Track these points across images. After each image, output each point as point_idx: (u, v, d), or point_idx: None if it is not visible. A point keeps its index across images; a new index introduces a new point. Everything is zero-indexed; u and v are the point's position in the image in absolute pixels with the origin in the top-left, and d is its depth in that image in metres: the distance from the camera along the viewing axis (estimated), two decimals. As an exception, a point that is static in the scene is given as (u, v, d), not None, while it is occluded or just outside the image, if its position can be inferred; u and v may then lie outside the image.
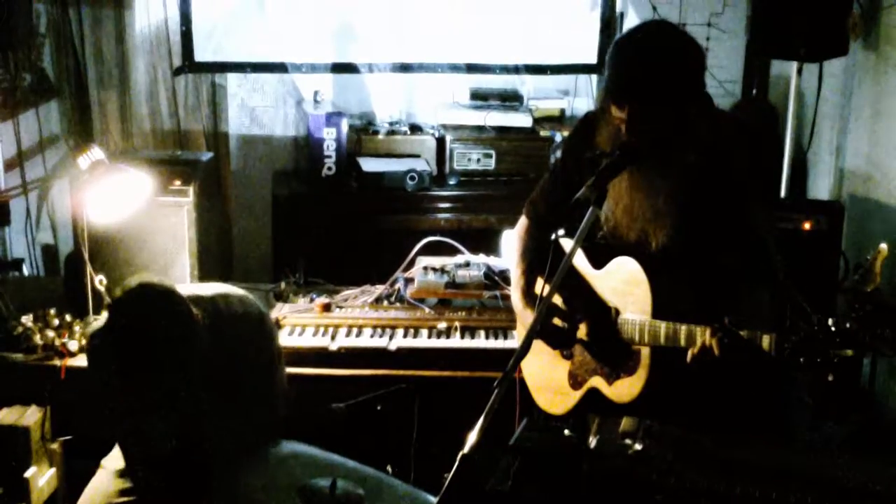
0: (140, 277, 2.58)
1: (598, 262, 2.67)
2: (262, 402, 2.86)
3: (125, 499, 2.85)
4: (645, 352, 2.53)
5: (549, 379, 2.81)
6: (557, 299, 2.70)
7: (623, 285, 2.58)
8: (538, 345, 2.73)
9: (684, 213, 2.49)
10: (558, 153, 2.81)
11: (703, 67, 2.43)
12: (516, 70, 5.02)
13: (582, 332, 2.68)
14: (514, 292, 2.85)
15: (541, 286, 2.73)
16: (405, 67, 4.91)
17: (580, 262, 2.72)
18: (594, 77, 5.11)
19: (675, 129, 2.40)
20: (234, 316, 2.76)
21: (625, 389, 2.58)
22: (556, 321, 2.67)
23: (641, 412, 2.39)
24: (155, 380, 2.51)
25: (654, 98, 2.35)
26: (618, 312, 2.60)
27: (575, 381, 2.73)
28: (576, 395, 2.72)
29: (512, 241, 2.92)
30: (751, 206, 2.51)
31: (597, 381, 2.66)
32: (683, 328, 2.42)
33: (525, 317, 2.80)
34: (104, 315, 2.72)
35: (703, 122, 2.44)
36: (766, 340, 2.27)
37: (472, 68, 4.96)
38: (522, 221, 2.92)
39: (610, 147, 2.48)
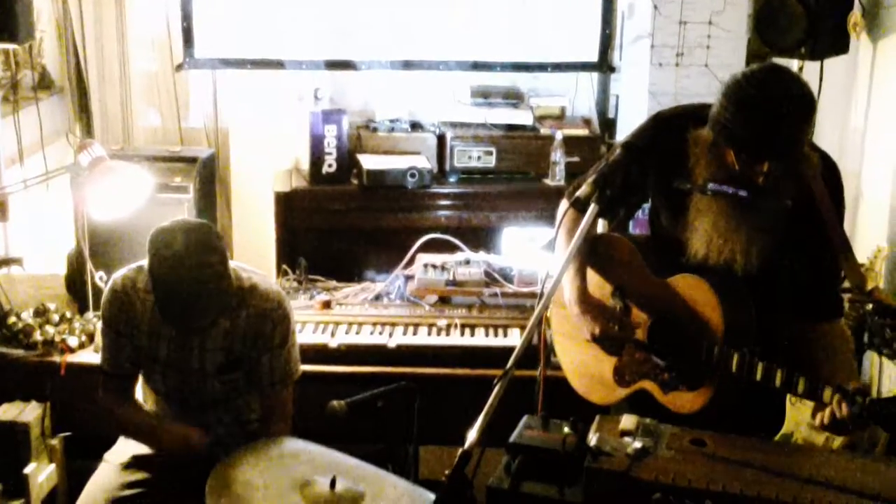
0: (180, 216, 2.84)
1: (657, 271, 2.64)
2: (274, 380, 2.91)
3: (128, 492, 2.86)
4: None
5: (589, 367, 2.75)
6: (606, 294, 2.69)
7: (690, 302, 2.55)
8: (575, 331, 2.70)
9: (774, 246, 2.48)
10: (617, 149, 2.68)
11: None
12: (517, 68, 5.01)
13: (640, 334, 2.63)
14: (570, 293, 2.69)
15: (602, 288, 2.71)
16: (406, 65, 4.91)
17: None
18: (595, 75, 5.11)
19: (793, 174, 2.40)
20: (253, 288, 2.86)
21: (683, 402, 2.55)
22: (611, 324, 2.62)
23: (696, 422, 2.40)
24: (193, 302, 2.67)
25: (786, 156, 2.36)
26: (689, 325, 2.55)
27: (622, 379, 2.68)
28: (621, 392, 2.68)
29: (559, 235, 2.71)
30: (832, 243, 2.51)
31: (648, 386, 2.62)
32: (779, 372, 2.37)
33: (583, 326, 2.65)
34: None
35: (802, 163, 2.43)
36: None
37: (473, 66, 4.95)
38: (570, 214, 2.68)
39: (709, 171, 2.46)
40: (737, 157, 2.38)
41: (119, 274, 2.92)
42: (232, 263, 2.88)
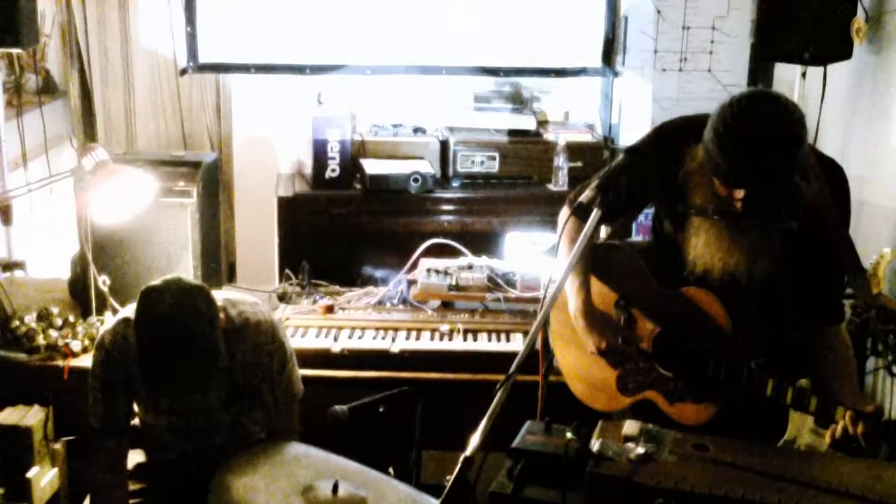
0: (173, 274, 2.70)
1: (661, 280, 2.63)
2: (278, 405, 2.90)
3: (132, 500, 2.86)
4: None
5: (592, 374, 2.74)
6: (610, 304, 2.67)
7: (699, 315, 2.54)
8: (576, 336, 2.69)
9: (777, 263, 2.47)
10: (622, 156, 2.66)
11: (806, 136, 2.37)
12: (521, 73, 5.01)
13: (645, 344, 2.63)
14: (575, 306, 2.67)
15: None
16: (409, 69, 4.91)
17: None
18: (598, 80, 5.11)
19: (784, 199, 2.38)
20: (246, 323, 2.82)
21: (690, 413, 2.55)
22: (616, 338, 2.61)
23: (698, 427, 2.42)
24: (179, 367, 2.59)
25: (768, 184, 2.32)
26: (696, 338, 2.54)
27: (625, 388, 2.67)
28: (625, 401, 2.68)
29: (561, 242, 2.68)
30: (839, 253, 2.51)
31: (653, 396, 2.62)
32: (790, 390, 2.37)
33: (588, 339, 2.64)
34: (110, 317, 2.77)
35: (805, 184, 2.40)
36: None
37: (476, 71, 4.96)
38: (572, 221, 2.61)
39: (704, 191, 2.44)
40: (717, 181, 2.38)
41: (107, 330, 2.83)
42: (220, 297, 2.81)
